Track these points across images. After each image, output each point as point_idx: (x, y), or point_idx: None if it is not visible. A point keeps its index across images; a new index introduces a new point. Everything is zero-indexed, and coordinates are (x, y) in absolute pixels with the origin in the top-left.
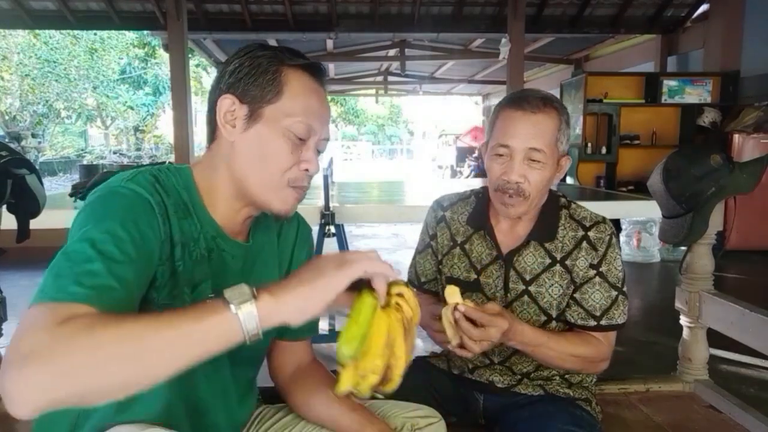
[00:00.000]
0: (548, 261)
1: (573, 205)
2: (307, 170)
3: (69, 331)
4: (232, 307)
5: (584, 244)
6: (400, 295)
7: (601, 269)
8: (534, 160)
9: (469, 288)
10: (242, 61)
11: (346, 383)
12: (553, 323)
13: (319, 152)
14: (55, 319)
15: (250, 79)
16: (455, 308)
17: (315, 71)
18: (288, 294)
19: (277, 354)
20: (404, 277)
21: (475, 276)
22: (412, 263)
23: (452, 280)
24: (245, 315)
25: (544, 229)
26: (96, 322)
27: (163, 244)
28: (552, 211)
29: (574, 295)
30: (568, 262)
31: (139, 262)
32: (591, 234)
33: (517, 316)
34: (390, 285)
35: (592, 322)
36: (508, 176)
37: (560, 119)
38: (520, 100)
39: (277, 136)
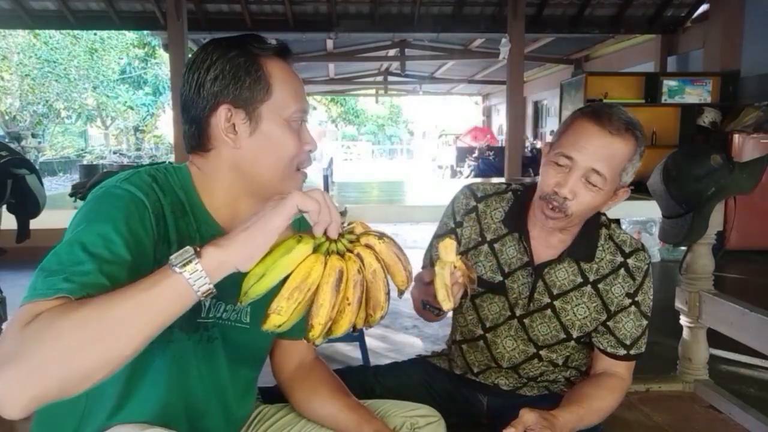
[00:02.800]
0: (580, 280)
1: (613, 225)
2: (309, 150)
3: (36, 326)
4: (176, 268)
5: (622, 271)
6: (369, 246)
7: (637, 299)
8: (591, 183)
9: (492, 290)
10: (221, 66)
11: (263, 326)
12: (572, 343)
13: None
14: (29, 317)
15: (237, 83)
16: (453, 267)
17: (284, 53)
18: (232, 241)
19: (279, 352)
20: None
21: (501, 278)
22: (429, 248)
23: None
24: (191, 274)
25: (582, 247)
26: (59, 312)
27: (158, 244)
28: (592, 230)
29: (607, 322)
30: (601, 286)
31: (132, 263)
32: (630, 262)
33: (535, 328)
34: (361, 235)
35: (622, 351)
36: (559, 188)
37: (636, 150)
38: (604, 115)
39: (283, 129)
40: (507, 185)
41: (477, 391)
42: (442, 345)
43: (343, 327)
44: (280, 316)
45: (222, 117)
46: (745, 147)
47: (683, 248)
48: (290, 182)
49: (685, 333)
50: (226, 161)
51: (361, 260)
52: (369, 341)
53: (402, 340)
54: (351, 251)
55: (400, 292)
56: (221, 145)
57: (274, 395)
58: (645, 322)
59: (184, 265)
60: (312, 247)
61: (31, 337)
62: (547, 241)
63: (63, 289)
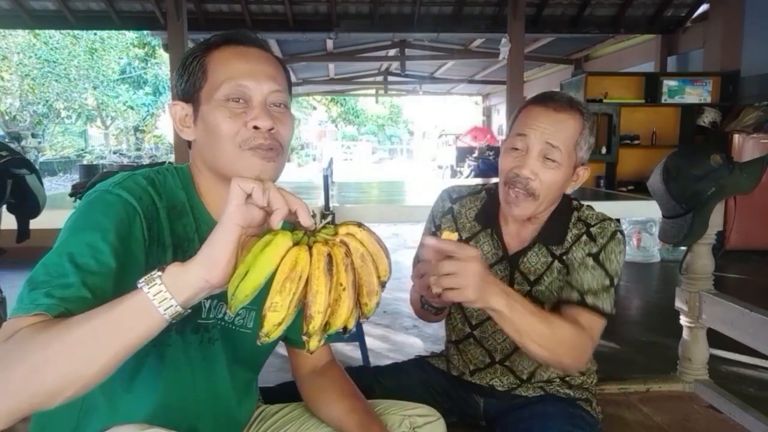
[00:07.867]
0: (549, 259)
1: (584, 207)
2: (256, 127)
3: (8, 344)
4: (139, 286)
5: (584, 238)
6: (350, 234)
7: (600, 257)
8: (549, 159)
9: None
10: (177, 68)
11: (262, 329)
12: None
13: (282, 106)
14: (9, 332)
15: (183, 78)
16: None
17: (238, 39)
18: (196, 256)
19: (296, 353)
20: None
21: None
22: (417, 252)
23: None
24: (154, 295)
25: (551, 232)
26: (30, 332)
27: (151, 249)
28: (563, 216)
29: (567, 278)
30: (566, 256)
31: (119, 271)
32: (593, 230)
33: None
34: (339, 226)
35: (575, 295)
36: (519, 170)
37: (584, 124)
38: (546, 97)
39: (215, 109)
40: (482, 185)
41: (473, 392)
42: (442, 345)
43: (341, 317)
44: (277, 312)
45: (176, 112)
46: (745, 147)
47: (683, 248)
48: (240, 163)
49: (685, 333)
50: (195, 154)
51: (347, 246)
52: (369, 341)
53: (402, 340)
54: (333, 240)
55: (383, 284)
56: (190, 141)
57: (275, 395)
58: (607, 281)
59: (148, 285)
60: (291, 240)
61: (4, 355)
62: (519, 233)
63: (42, 305)
